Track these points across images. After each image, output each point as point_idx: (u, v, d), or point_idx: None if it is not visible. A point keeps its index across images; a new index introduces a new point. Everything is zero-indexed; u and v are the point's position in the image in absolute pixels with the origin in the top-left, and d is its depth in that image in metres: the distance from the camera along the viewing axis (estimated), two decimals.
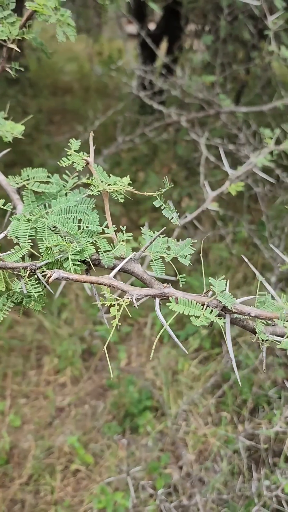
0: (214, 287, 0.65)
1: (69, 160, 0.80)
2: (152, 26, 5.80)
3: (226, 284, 0.65)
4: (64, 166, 0.84)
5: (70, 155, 0.79)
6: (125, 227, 0.85)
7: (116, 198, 0.79)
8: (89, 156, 0.81)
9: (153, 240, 0.75)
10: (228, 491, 1.85)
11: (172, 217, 0.78)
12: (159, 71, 4.19)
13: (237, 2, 2.60)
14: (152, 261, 0.76)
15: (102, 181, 0.80)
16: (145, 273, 0.73)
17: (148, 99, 2.86)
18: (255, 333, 0.63)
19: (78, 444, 2.50)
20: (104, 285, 0.69)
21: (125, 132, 3.20)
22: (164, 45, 5.23)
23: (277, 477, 1.59)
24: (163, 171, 3.65)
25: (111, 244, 0.79)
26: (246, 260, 0.81)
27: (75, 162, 0.80)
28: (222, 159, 1.63)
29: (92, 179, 0.80)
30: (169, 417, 2.40)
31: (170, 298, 0.66)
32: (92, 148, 0.82)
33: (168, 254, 0.76)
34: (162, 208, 0.79)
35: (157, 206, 0.80)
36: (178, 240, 0.80)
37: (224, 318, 0.65)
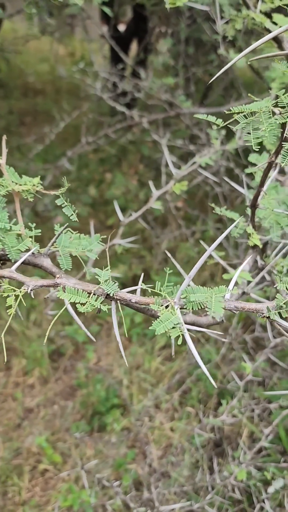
0: (100, 276, 0.70)
1: None
2: (122, 28, 5.84)
3: (108, 273, 0.69)
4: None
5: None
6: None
7: (26, 197, 0.83)
8: (1, 158, 0.85)
9: (58, 236, 0.79)
10: (189, 483, 1.90)
11: (72, 214, 0.82)
12: (129, 73, 4.23)
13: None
14: (60, 255, 0.80)
15: (12, 181, 0.84)
16: (53, 267, 0.77)
17: (111, 101, 2.90)
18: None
19: (46, 444, 2.52)
20: (5, 277, 0.72)
21: (90, 133, 3.23)
22: (134, 47, 5.27)
23: (229, 466, 1.65)
24: (130, 172, 3.68)
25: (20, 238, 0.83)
26: (169, 255, 0.85)
27: None
28: (185, 159, 1.68)
29: (2, 180, 0.84)
30: (134, 414, 2.44)
31: (58, 287, 0.70)
32: (4, 151, 0.86)
33: (76, 249, 0.80)
34: (63, 206, 0.83)
35: (58, 204, 0.84)
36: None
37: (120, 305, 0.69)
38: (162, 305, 0.66)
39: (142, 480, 2.17)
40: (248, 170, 0.94)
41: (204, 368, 0.61)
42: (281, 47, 1.19)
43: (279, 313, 0.62)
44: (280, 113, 0.60)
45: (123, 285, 3.53)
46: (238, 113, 0.62)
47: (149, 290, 0.69)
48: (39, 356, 2.94)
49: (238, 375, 2.56)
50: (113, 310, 0.68)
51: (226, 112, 0.64)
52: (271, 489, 1.89)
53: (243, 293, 0.89)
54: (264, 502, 1.66)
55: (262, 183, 0.78)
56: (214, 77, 0.69)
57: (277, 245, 1.00)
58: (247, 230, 0.88)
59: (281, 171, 1.17)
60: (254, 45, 0.61)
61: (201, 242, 1.24)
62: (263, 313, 0.64)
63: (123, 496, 1.73)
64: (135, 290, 0.71)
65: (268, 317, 0.64)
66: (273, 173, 1.05)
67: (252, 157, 1.01)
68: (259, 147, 0.64)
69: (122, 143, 3.47)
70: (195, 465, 2.19)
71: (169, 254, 0.89)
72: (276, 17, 1.14)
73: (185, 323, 0.74)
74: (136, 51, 5.17)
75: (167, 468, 2.11)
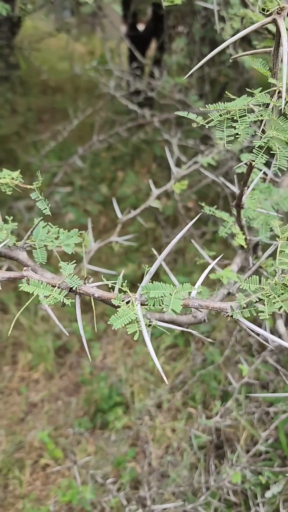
0: (64, 270, 0.70)
1: None
2: (141, 27, 5.84)
3: (72, 267, 0.70)
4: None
5: None
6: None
7: (4, 190, 0.84)
8: None
9: (34, 229, 0.79)
10: (187, 484, 1.89)
11: (45, 208, 0.82)
12: (148, 72, 4.22)
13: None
14: (35, 248, 0.80)
15: None
16: (29, 260, 0.77)
17: (124, 99, 2.90)
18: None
19: (48, 439, 2.54)
20: None
21: (104, 132, 3.24)
22: (153, 46, 5.27)
23: (225, 468, 1.63)
24: (142, 171, 3.68)
25: None
26: (156, 252, 0.85)
27: None
28: (191, 159, 1.68)
29: None
30: (135, 413, 2.44)
31: (22, 280, 0.70)
32: None
33: (53, 244, 0.80)
34: (37, 200, 0.83)
35: (33, 198, 0.84)
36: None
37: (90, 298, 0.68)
38: (123, 301, 0.66)
39: (140, 478, 2.17)
40: (238, 169, 0.93)
41: (156, 362, 0.60)
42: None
43: (242, 312, 0.61)
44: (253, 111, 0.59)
45: (131, 284, 3.53)
46: (213, 110, 0.62)
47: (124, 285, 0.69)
48: (45, 352, 2.96)
49: (241, 378, 2.54)
50: (77, 304, 0.69)
51: (201, 109, 0.64)
52: (268, 494, 1.87)
53: (229, 293, 0.88)
54: (259, 506, 1.64)
55: (245, 183, 0.77)
56: (203, 61, 0.68)
57: (268, 245, 0.99)
58: (232, 230, 0.87)
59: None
60: (231, 39, 0.61)
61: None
62: (227, 312, 0.63)
63: (116, 493, 1.73)
64: (106, 285, 0.71)
65: (232, 316, 0.63)
66: (269, 174, 1.03)
67: (244, 157, 1.00)
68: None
69: (135, 142, 3.47)
70: (194, 466, 2.19)
71: (155, 252, 0.88)
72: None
73: (164, 321, 0.74)
74: (154, 50, 5.17)
75: (166, 468, 2.10)
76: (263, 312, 0.58)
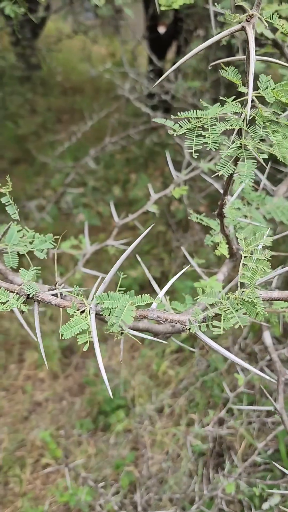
0: (24, 276, 0.69)
1: None
2: (162, 30, 5.84)
3: (32, 273, 0.69)
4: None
5: None
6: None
7: None
8: None
9: (5, 232, 0.79)
10: (182, 491, 1.87)
11: (14, 213, 0.82)
12: (166, 75, 4.19)
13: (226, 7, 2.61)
14: (7, 252, 0.80)
15: None
16: (0, 264, 0.77)
17: (138, 102, 2.90)
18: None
19: (50, 438, 2.55)
20: None
21: (117, 134, 3.25)
22: (173, 49, 5.26)
23: (219, 479, 1.61)
24: (155, 173, 3.67)
25: None
26: (139, 259, 0.84)
27: None
28: None
29: None
30: (137, 417, 2.43)
31: None
32: None
33: (25, 248, 0.79)
34: (7, 204, 0.82)
35: (3, 202, 0.83)
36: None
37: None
38: (78, 309, 0.65)
39: (137, 483, 2.16)
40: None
41: (104, 374, 0.60)
42: (282, 53, 1.16)
43: (200, 326, 0.60)
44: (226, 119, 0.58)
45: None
46: (183, 118, 0.61)
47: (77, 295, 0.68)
48: (51, 352, 2.97)
49: (248, 386, 2.51)
50: (36, 310, 0.68)
51: (173, 117, 0.63)
52: (265, 506, 1.84)
53: (212, 304, 0.87)
54: None
55: (225, 192, 0.75)
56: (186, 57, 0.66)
57: None
58: (215, 239, 0.86)
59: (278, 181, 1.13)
60: (199, 47, 0.60)
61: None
62: (185, 325, 0.62)
63: (109, 497, 1.72)
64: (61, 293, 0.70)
65: (189, 330, 0.61)
66: (261, 183, 1.01)
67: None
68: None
69: (148, 144, 3.46)
70: (194, 473, 2.17)
71: (139, 259, 0.87)
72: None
73: (138, 330, 0.73)
74: (175, 53, 5.16)
75: (163, 474, 2.09)
76: (218, 327, 0.56)
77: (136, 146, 3.48)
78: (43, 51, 4.46)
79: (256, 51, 1.57)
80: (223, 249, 0.85)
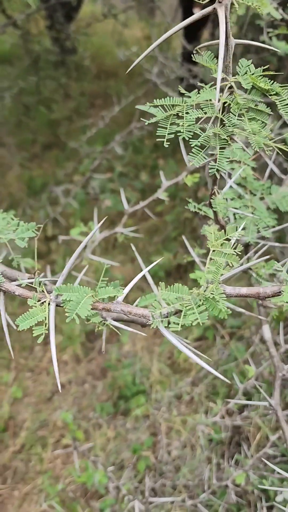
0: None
1: None
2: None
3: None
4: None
5: None
6: None
7: None
8: None
9: None
10: (194, 478, 1.88)
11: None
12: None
13: None
14: None
15: None
16: None
17: (165, 87, 2.86)
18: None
19: (71, 420, 2.61)
20: None
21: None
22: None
23: (229, 469, 1.60)
24: (183, 159, 3.61)
25: None
26: (134, 248, 0.83)
27: None
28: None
29: None
30: (153, 403, 2.44)
31: None
32: None
33: (6, 236, 0.79)
34: None
35: None
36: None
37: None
38: (39, 301, 0.65)
39: (152, 469, 2.18)
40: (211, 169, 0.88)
41: (55, 366, 0.59)
42: None
43: (163, 321, 0.58)
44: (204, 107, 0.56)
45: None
46: (157, 106, 0.58)
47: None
48: (75, 335, 3.02)
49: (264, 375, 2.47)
50: (1, 301, 0.68)
51: (149, 104, 0.61)
52: (279, 498, 1.82)
53: None
54: (263, 509, 1.60)
55: (214, 181, 0.73)
56: None
57: (259, 247, 0.94)
58: (210, 229, 0.83)
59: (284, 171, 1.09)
60: (162, 38, 0.57)
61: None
62: (148, 320, 0.61)
63: (117, 481, 1.75)
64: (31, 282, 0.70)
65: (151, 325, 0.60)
66: (266, 173, 0.98)
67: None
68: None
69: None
70: (207, 462, 2.17)
71: (186, 242, 0.86)
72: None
73: (122, 320, 0.72)
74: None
75: (177, 461, 2.10)
76: (177, 324, 0.55)
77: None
78: (76, 35, 4.43)
79: (269, 32, 1.51)
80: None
